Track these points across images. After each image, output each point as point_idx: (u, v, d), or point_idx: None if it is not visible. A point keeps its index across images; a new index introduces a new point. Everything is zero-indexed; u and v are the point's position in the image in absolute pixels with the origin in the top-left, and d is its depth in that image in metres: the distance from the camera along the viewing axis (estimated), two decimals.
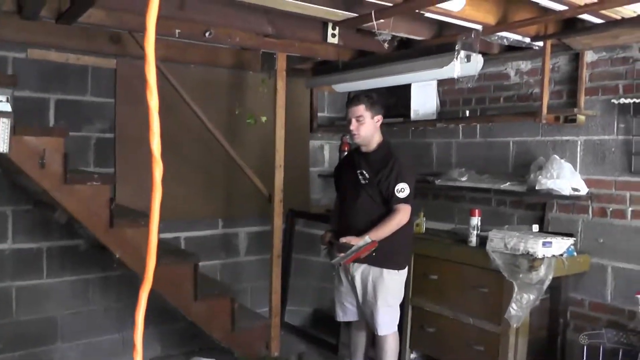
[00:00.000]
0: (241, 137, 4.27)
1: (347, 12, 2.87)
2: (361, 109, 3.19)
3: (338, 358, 4.09)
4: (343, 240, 3.11)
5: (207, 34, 3.29)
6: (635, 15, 2.82)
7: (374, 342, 3.37)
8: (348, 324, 3.58)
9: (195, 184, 4.18)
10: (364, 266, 3.21)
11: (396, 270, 3.20)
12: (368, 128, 3.21)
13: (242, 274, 4.54)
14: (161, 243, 3.34)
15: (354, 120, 3.20)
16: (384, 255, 3.14)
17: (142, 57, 0.67)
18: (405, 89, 4.17)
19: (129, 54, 3.67)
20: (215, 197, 4.32)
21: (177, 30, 3.19)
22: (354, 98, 3.27)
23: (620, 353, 2.55)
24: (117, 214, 3.06)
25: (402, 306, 3.39)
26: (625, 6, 2.70)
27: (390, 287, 3.19)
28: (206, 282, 3.65)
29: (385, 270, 3.17)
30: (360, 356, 3.53)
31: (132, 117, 3.72)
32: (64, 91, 3.70)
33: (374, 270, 3.18)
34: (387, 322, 3.21)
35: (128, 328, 3.90)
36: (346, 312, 3.41)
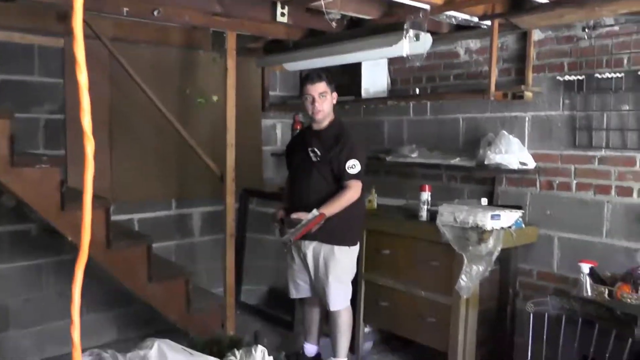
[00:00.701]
0: (193, 117, 4.24)
1: None
2: (324, 85, 3.24)
3: (293, 334, 4.15)
4: (294, 216, 3.14)
5: (155, 13, 3.24)
6: None
7: (327, 318, 3.43)
8: (302, 300, 3.63)
9: (148, 164, 4.13)
10: (315, 243, 3.25)
11: (347, 247, 3.26)
12: (329, 104, 3.27)
13: (197, 254, 4.54)
14: (114, 225, 3.33)
15: (317, 97, 3.22)
16: (335, 232, 3.19)
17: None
18: (356, 67, 4.20)
19: None
20: (168, 178, 4.29)
21: (125, 9, 3.13)
22: (313, 75, 3.28)
23: (564, 318, 2.67)
24: (68, 197, 3.00)
25: (355, 281, 3.46)
26: None
27: (342, 263, 3.24)
28: (160, 264, 3.64)
29: (336, 247, 3.22)
30: (314, 332, 3.60)
31: None
32: (9, 71, 3.58)
33: (325, 247, 3.23)
34: (339, 297, 3.27)
35: (83, 313, 3.85)
36: (299, 290, 3.46)
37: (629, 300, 2.70)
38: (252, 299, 4.73)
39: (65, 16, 3.52)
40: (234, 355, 2.29)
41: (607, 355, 2.47)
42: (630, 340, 2.41)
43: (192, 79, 4.30)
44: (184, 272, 3.69)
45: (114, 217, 3.51)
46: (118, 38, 3.70)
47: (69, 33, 3.59)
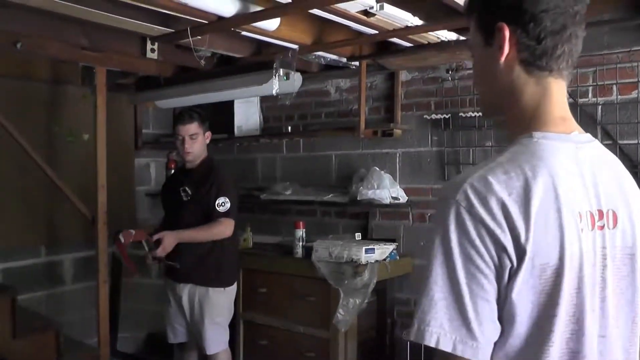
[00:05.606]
0: (63, 157, 4.00)
1: (163, 28, 2.84)
2: (195, 126, 3.19)
3: None
4: (156, 236, 3.08)
5: (18, 45, 3.06)
6: (439, 40, 3.11)
7: None
8: (181, 345, 3.50)
9: (13, 209, 3.83)
10: (190, 286, 3.18)
11: (222, 288, 3.21)
12: (201, 145, 3.23)
13: (70, 304, 4.23)
14: None
15: (187, 138, 3.17)
16: (209, 274, 3.14)
17: None
18: (229, 105, 4.21)
19: None
20: (36, 223, 3.98)
21: None
22: (184, 115, 3.23)
23: None
24: None
25: (234, 322, 3.39)
26: (430, 32, 2.98)
27: (217, 305, 3.18)
28: (27, 317, 3.35)
29: (211, 289, 3.16)
30: None
31: None
32: None
33: (200, 290, 3.17)
34: (215, 340, 3.19)
35: None
36: (176, 334, 3.35)
37: None
38: (129, 347, 4.48)
39: None
40: None
41: None
42: None
43: (61, 116, 4.08)
44: (54, 324, 3.43)
45: None
46: None
47: None
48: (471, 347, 0.87)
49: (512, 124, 1.03)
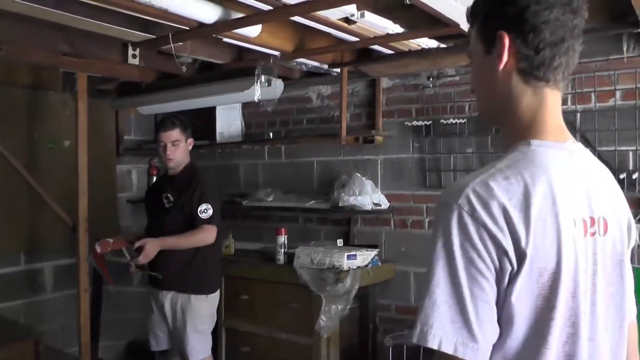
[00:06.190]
0: (43, 164, 3.96)
1: (144, 34, 2.83)
2: (176, 133, 3.17)
3: None
4: (137, 244, 3.05)
5: None
6: (419, 48, 3.13)
7: None
8: (163, 353, 3.47)
9: None
10: (172, 293, 3.16)
11: (205, 296, 3.19)
12: (183, 152, 3.21)
13: (51, 312, 4.18)
14: None
15: (169, 145, 3.15)
16: (191, 281, 3.12)
17: None
18: (211, 111, 4.21)
19: None
20: (16, 230, 3.93)
21: None
22: (166, 122, 3.21)
23: (421, 349, 2.77)
24: None
25: (216, 329, 3.37)
26: (410, 40, 3.01)
27: (199, 312, 3.16)
28: (6, 326, 3.32)
29: (193, 296, 3.14)
30: None
31: None
32: None
33: (182, 297, 3.15)
34: (198, 348, 3.17)
35: None
36: (159, 341, 3.32)
37: None
38: (111, 356, 4.44)
39: None
40: None
41: None
42: None
43: (41, 123, 4.05)
44: (34, 333, 3.38)
45: None
46: None
47: None
48: (472, 349, 0.89)
49: (509, 132, 1.06)
